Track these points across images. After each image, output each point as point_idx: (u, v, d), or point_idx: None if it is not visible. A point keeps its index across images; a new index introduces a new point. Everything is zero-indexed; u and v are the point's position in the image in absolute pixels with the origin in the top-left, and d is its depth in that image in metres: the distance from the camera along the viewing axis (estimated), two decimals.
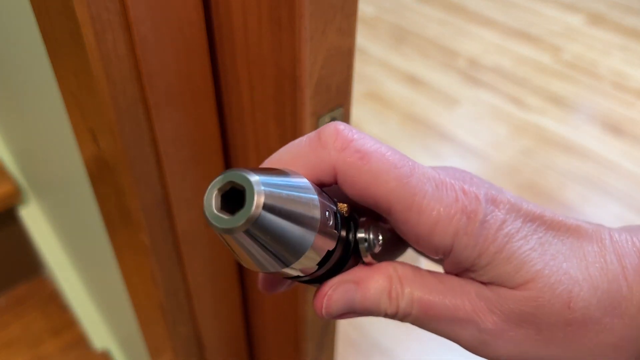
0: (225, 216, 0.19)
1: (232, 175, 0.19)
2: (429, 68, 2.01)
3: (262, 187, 0.18)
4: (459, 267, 0.24)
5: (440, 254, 0.24)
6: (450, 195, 0.22)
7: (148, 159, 0.42)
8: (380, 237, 0.25)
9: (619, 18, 2.25)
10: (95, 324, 1.07)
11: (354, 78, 0.38)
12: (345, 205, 0.24)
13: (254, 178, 0.19)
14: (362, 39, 2.16)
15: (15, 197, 1.10)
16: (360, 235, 0.24)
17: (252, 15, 0.35)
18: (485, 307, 0.23)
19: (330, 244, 0.22)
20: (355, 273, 0.24)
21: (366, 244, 0.24)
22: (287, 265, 0.21)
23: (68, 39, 0.37)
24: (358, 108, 1.83)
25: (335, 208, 0.23)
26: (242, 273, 0.58)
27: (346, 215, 0.24)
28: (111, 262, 0.65)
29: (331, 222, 0.22)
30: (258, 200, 0.18)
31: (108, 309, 1.00)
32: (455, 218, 0.22)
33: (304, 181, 0.21)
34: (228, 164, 0.48)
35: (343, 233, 0.24)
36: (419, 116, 1.80)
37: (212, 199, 0.19)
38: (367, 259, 0.25)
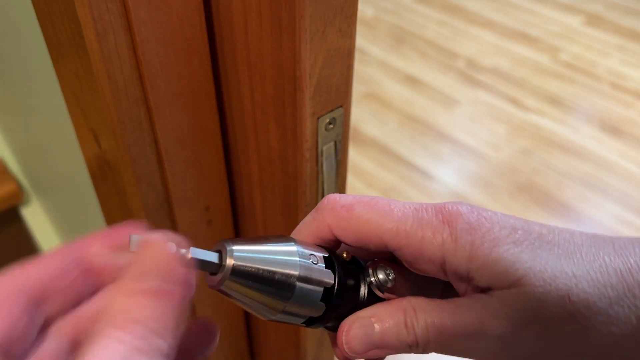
0: (210, 276, 0.24)
1: (219, 244, 0.24)
2: (428, 68, 2.02)
3: (235, 253, 0.23)
4: (460, 278, 0.25)
5: (438, 271, 0.25)
6: (429, 214, 0.25)
7: (149, 159, 0.42)
8: (390, 272, 0.27)
9: (618, 19, 2.26)
10: None
11: (354, 78, 0.39)
12: (345, 252, 0.27)
13: (230, 247, 0.24)
14: (362, 40, 2.16)
15: (18, 197, 1.10)
16: (370, 274, 0.27)
17: (253, 16, 0.35)
18: (489, 314, 0.24)
19: (325, 283, 0.25)
20: (371, 309, 0.26)
21: (374, 281, 0.27)
22: (283, 306, 0.25)
23: (70, 41, 0.37)
24: (358, 108, 1.83)
25: (331, 256, 0.27)
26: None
27: (347, 259, 0.27)
28: None
29: (318, 265, 0.26)
30: (229, 263, 0.23)
31: None
32: (438, 230, 0.25)
33: (289, 243, 0.26)
34: (228, 164, 0.48)
35: (346, 277, 0.27)
36: (418, 116, 1.81)
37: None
38: (384, 295, 0.27)
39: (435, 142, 1.72)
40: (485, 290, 0.25)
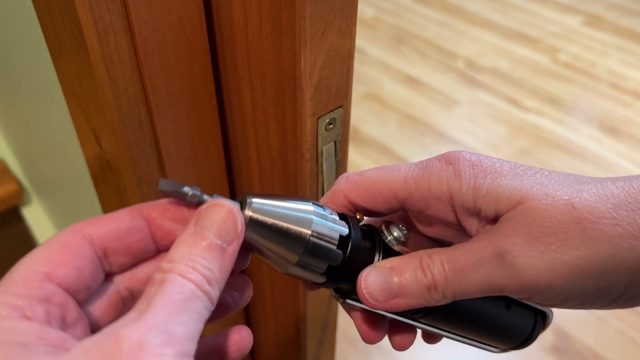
0: None
1: (242, 197, 0.26)
2: (428, 69, 2.02)
3: (254, 204, 0.25)
4: (469, 212, 0.26)
5: (448, 211, 0.27)
6: (432, 161, 0.27)
7: (150, 159, 0.42)
8: (403, 229, 0.28)
9: (617, 19, 2.26)
10: None
11: (354, 78, 0.39)
12: (359, 214, 0.29)
13: (250, 199, 0.25)
14: (362, 40, 2.16)
15: (18, 197, 1.10)
16: (384, 231, 0.28)
17: (253, 16, 0.35)
18: (500, 236, 0.25)
19: (339, 231, 0.27)
20: (388, 260, 0.27)
21: (389, 236, 0.28)
22: (298, 257, 0.26)
23: (71, 41, 0.37)
24: (358, 108, 1.83)
25: (345, 214, 0.29)
26: (243, 272, 0.58)
27: (360, 219, 0.29)
28: None
29: (332, 216, 0.27)
30: (246, 213, 0.25)
31: None
32: (442, 170, 0.26)
33: (307, 203, 0.27)
34: (229, 164, 0.49)
35: (361, 231, 0.28)
36: (418, 116, 1.81)
37: None
38: (399, 248, 0.28)
39: (435, 142, 1.72)
40: (494, 221, 0.26)
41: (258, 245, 0.26)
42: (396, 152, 1.68)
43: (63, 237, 0.23)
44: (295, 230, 0.26)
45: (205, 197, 0.25)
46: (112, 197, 0.50)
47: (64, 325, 0.22)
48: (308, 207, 0.27)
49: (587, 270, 0.24)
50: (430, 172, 0.27)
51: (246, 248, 0.26)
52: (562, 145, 1.70)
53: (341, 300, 0.30)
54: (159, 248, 0.26)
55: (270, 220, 0.25)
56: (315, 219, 0.26)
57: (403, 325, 0.31)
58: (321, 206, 0.28)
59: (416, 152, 1.68)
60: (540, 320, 0.32)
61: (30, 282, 0.21)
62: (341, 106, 0.39)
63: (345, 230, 0.27)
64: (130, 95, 0.38)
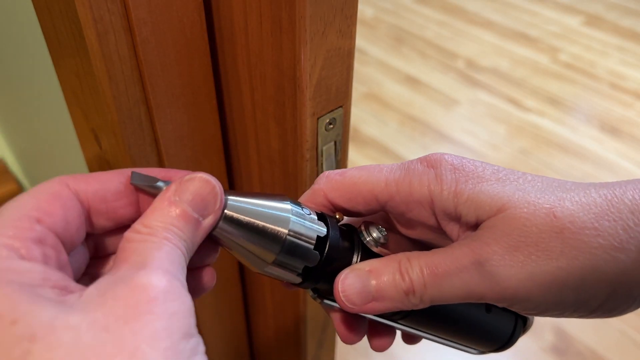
0: None
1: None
2: (428, 69, 2.02)
3: (229, 201, 0.25)
4: (450, 217, 0.26)
5: (429, 215, 0.26)
6: (414, 163, 0.27)
7: (150, 159, 0.42)
8: (382, 230, 0.28)
9: (617, 19, 2.26)
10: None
11: (354, 78, 0.39)
12: (338, 214, 0.29)
13: (226, 197, 0.25)
14: (362, 40, 2.16)
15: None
16: (363, 232, 0.28)
17: (253, 16, 0.35)
18: (480, 244, 0.24)
19: (317, 231, 0.26)
20: (366, 263, 0.27)
21: (368, 238, 0.27)
22: (274, 256, 0.25)
23: (71, 41, 0.37)
24: (358, 108, 1.83)
25: (323, 214, 0.28)
26: (243, 272, 0.58)
27: (339, 219, 0.28)
28: None
29: (310, 216, 0.27)
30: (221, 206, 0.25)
31: None
32: (424, 173, 0.26)
33: (285, 202, 0.27)
34: (229, 164, 0.49)
35: (340, 231, 0.27)
36: (418, 116, 1.81)
37: None
38: (378, 249, 0.27)
39: (435, 142, 1.72)
40: (474, 227, 0.25)
41: (234, 244, 0.25)
42: (396, 152, 1.68)
43: (52, 187, 0.23)
44: (272, 229, 0.25)
45: None
46: None
47: (60, 268, 0.21)
48: (285, 205, 0.26)
49: (567, 281, 0.23)
50: (411, 175, 0.26)
51: (220, 245, 0.26)
52: (562, 145, 1.70)
53: (319, 300, 0.29)
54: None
55: (246, 219, 0.25)
56: (293, 217, 0.26)
57: (382, 326, 0.30)
58: (299, 205, 0.27)
59: (416, 152, 1.68)
60: (521, 324, 0.32)
61: (22, 223, 0.21)
62: (341, 106, 0.39)
63: (323, 230, 0.27)
64: (130, 95, 0.38)
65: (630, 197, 0.23)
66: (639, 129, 1.74)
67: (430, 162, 0.26)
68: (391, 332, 0.31)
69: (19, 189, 1.10)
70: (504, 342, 0.32)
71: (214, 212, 0.24)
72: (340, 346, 1.14)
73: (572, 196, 0.24)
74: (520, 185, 0.25)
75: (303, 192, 0.42)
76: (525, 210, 0.24)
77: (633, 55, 2.05)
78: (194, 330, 0.20)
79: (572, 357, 1.17)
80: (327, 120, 0.39)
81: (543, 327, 1.21)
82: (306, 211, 0.27)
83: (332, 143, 0.40)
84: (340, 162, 0.42)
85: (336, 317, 0.30)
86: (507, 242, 0.24)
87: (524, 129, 1.75)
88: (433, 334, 0.31)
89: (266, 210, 0.25)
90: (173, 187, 0.23)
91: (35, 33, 0.45)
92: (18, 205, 0.22)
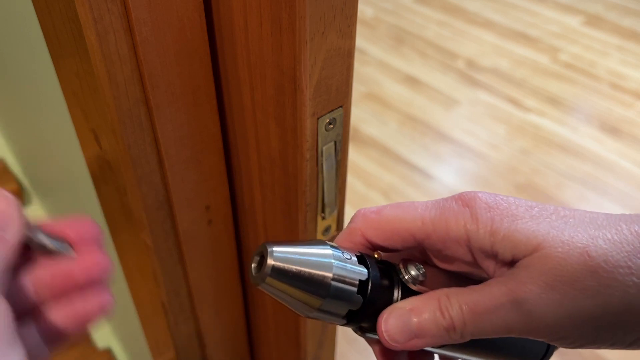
0: (253, 274, 0.27)
1: (262, 246, 0.27)
2: (428, 69, 2.02)
3: (275, 254, 0.26)
4: (486, 255, 0.27)
5: (466, 252, 0.27)
6: (449, 202, 0.28)
7: (150, 159, 0.42)
8: (420, 267, 0.29)
9: (617, 19, 2.26)
10: (98, 323, 1.07)
11: (354, 78, 0.39)
12: (376, 253, 0.30)
13: (271, 248, 0.26)
14: (362, 40, 2.16)
15: (18, 197, 1.10)
16: (402, 271, 0.29)
17: (253, 16, 0.35)
18: (517, 283, 0.25)
19: (359, 276, 0.27)
20: (407, 301, 0.28)
21: (407, 275, 0.29)
22: (320, 303, 0.27)
23: (71, 41, 0.37)
24: (358, 108, 1.83)
25: (363, 255, 0.29)
26: (243, 272, 0.58)
27: (379, 258, 0.30)
28: (113, 261, 0.66)
29: (351, 261, 0.28)
30: (269, 262, 0.26)
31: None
32: (459, 212, 0.27)
33: (325, 247, 0.28)
34: (228, 164, 0.49)
35: (380, 272, 0.29)
36: (418, 116, 1.81)
37: (251, 264, 0.27)
38: (417, 287, 0.28)
39: (435, 142, 1.72)
40: (510, 264, 0.26)
41: (281, 293, 0.26)
42: (396, 152, 1.68)
43: None
44: (318, 275, 0.26)
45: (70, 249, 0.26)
46: (112, 197, 0.50)
47: None
48: (326, 250, 0.27)
49: (603, 319, 0.24)
50: (447, 214, 0.27)
51: (266, 292, 0.27)
52: (562, 145, 1.70)
53: (361, 334, 0.30)
54: None
55: (293, 268, 0.26)
56: (335, 262, 0.27)
57: (421, 352, 0.32)
58: (338, 248, 0.28)
59: (416, 152, 1.68)
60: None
61: None
62: (341, 106, 0.39)
63: (364, 273, 0.28)
64: (130, 95, 0.38)
65: None
66: (639, 129, 1.74)
67: (465, 201, 0.27)
68: (430, 356, 0.32)
69: (19, 189, 1.10)
70: (542, 356, 0.33)
71: (16, 227, 0.24)
72: (340, 346, 1.14)
73: (604, 234, 0.25)
74: (553, 223, 0.26)
75: (303, 192, 0.42)
76: (560, 250, 0.24)
77: (633, 55, 2.05)
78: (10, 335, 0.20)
79: (572, 357, 1.17)
80: (327, 120, 0.39)
81: None
82: (346, 255, 0.28)
83: (332, 143, 0.41)
84: (340, 162, 0.42)
85: (377, 349, 0.31)
86: (543, 281, 0.25)
87: (524, 129, 1.75)
88: (472, 357, 0.32)
89: (309, 258, 0.27)
90: None
91: (35, 33, 0.45)
92: None
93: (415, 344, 0.27)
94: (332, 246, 0.28)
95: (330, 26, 0.34)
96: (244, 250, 0.56)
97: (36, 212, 1.14)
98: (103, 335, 1.06)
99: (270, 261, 0.26)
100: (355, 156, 1.67)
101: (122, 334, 1.00)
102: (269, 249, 0.26)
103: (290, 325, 0.56)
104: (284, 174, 0.42)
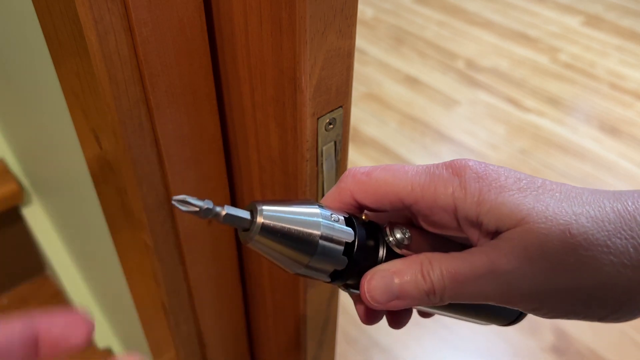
0: (242, 232, 0.27)
1: (251, 204, 0.27)
2: (428, 69, 2.02)
3: (264, 212, 0.26)
4: (471, 224, 0.27)
5: (451, 220, 0.27)
6: (440, 169, 0.28)
7: (150, 159, 0.42)
8: (406, 231, 0.29)
9: (617, 19, 2.26)
10: (98, 323, 1.07)
11: (354, 79, 0.39)
12: (364, 215, 0.30)
13: (260, 207, 0.27)
14: (362, 40, 2.16)
15: (18, 197, 1.10)
16: (388, 234, 0.29)
17: (253, 17, 0.35)
18: (498, 254, 0.26)
19: (345, 238, 0.28)
20: (390, 263, 0.28)
21: (392, 239, 0.29)
22: (307, 261, 0.27)
23: (71, 41, 0.37)
24: (358, 108, 1.84)
25: (351, 216, 0.29)
26: (243, 272, 0.58)
27: (365, 220, 0.30)
28: (114, 262, 0.66)
29: (339, 223, 0.28)
30: (258, 221, 0.26)
31: (110, 308, 1.00)
32: (448, 181, 0.27)
33: (313, 206, 0.28)
34: (228, 164, 0.49)
35: (366, 234, 0.29)
36: (417, 117, 1.81)
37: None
38: (401, 251, 0.29)
39: (435, 142, 1.72)
40: (494, 235, 0.27)
41: (270, 250, 0.27)
42: (396, 152, 1.68)
43: None
44: (306, 233, 0.27)
45: (218, 208, 0.26)
46: (112, 197, 0.50)
47: None
48: (314, 210, 0.28)
49: (577, 294, 0.25)
50: (437, 181, 0.28)
51: (255, 249, 0.27)
52: (562, 145, 1.70)
53: (345, 290, 0.31)
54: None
55: (281, 225, 0.27)
56: (323, 221, 0.27)
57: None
58: (326, 208, 0.29)
59: (416, 152, 1.68)
60: None
61: None
62: (341, 106, 0.39)
63: (351, 234, 0.28)
64: (130, 95, 0.38)
65: None
66: (638, 129, 1.75)
67: (455, 169, 0.28)
68: (408, 311, 0.33)
69: (19, 189, 1.10)
70: (514, 319, 0.34)
71: None
72: (340, 346, 1.14)
73: (587, 211, 0.25)
74: (539, 196, 0.26)
75: (303, 192, 0.42)
76: (542, 225, 0.25)
77: (633, 55, 2.05)
78: None
79: (572, 357, 1.17)
80: (327, 121, 0.39)
81: (543, 327, 1.21)
82: (334, 215, 0.28)
83: (332, 143, 0.41)
84: (340, 162, 0.42)
85: (359, 307, 0.32)
86: (524, 255, 0.25)
87: (524, 129, 1.75)
88: (448, 314, 0.33)
89: (297, 216, 0.27)
90: None
91: (35, 33, 0.45)
92: None
93: (395, 305, 0.28)
94: (320, 206, 0.28)
95: (330, 26, 0.34)
96: (244, 250, 0.56)
97: (36, 212, 1.14)
98: (103, 335, 1.06)
99: (259, 219, 0.26)
100: (355, 156, 1.67)
101: (122, 335, 1.00)
102: (259, 208, 0.27)
103: (290, 325, 0.56)
104: (284, 174, 0.42)
